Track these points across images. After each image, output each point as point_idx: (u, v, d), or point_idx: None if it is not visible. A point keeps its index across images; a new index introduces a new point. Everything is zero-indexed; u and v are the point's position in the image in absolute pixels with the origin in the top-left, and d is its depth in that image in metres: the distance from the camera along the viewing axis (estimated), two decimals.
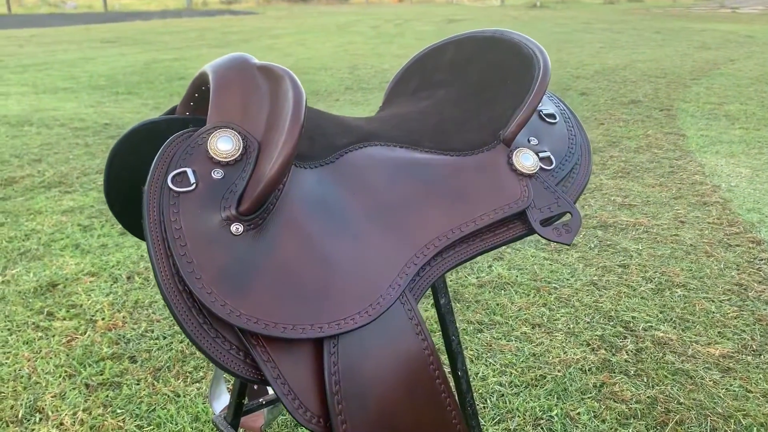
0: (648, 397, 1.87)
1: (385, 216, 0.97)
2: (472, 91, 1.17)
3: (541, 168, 1.07)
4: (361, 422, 0.85)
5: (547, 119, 1.15)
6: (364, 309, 0.87)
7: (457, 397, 1.26)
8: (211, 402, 1.42)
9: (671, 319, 2.31)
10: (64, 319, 2.25)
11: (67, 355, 2.03)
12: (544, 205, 1.04)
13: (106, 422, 1.73)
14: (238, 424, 1.31)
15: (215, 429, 1.71)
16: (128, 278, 2.56)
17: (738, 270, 2.71)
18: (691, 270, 2.70)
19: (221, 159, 0.87)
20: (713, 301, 2.44)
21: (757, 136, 4.98)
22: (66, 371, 1.95)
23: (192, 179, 0.85)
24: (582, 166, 1.12)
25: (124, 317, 2.26)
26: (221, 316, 0.79)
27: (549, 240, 1.03)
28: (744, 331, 2.25)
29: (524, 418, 1.78)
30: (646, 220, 3.23)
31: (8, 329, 2.19)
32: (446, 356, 1.25)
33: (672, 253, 2.86)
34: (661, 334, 2.20)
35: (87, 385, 1.89)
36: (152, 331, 2.18)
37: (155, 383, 1.90)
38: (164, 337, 2.14)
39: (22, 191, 3.53)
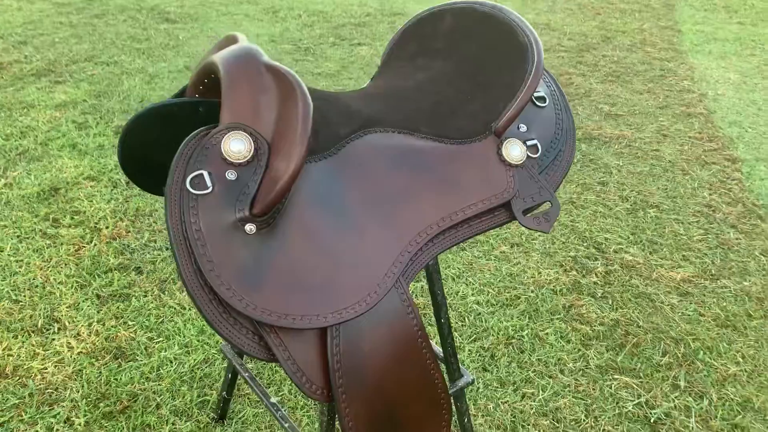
0: (611, 320, 2.07)
1: (383, 206, 1.07)
2: (466, 69, 1.22)
3: (527, 156, 1.15)
4: (357, 392, 1.00)
5: (537, 102, 1.22)
6: (363, 298, 0.99)
7: (440, 340, 1.42)
8: None
9: (641, 241, 2.48)
10: (70, 226, 2.37)
11: (77, 266, 2.17)
12: (527, 194, 1.14)
13: (119, 333, 1.90)
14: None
15: (219, 343, 1.90)
16: (128, 183, 2.65)
17: (710, 190, 2.85)
18: (666, 189, 2.84)
19: (234, 160, 0.95)
20: (682, 223, 2.60)
21: (752, 33, 4.95)
22: (77, 281, 2.10)
23: (208, 182, 0.94)
24: (565, 153, 1.20)
25: (126, 226, 2.39)
26: (239, 310, 0.91)
27: (530, 228, 1.14)
28: (706, 254, 2.43)
29: (497, 337, 1.98)
30: (630, 132, 3.32)
31: (17, 236, 2.31)
32: (432, 308, 1.39)
33: (651, 170, 2.98)
34: (630, 257, 2.38)
35: (98, 296, 2.05)
36: (155, 242, 2.32)
37: (161, 296, 2.06)
38: (166, 249, 2.28)
39: (12, 80, 3.51)
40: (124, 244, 2.29)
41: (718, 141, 3.28)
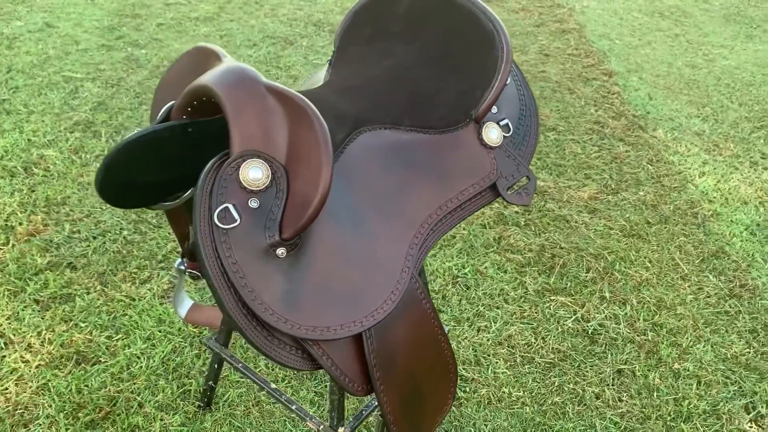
0: (537, 245, 2.29)
1: (387, 206, 1.14)
2: (434, 54, 1.27)
3: (503, 137, 1.25)
4: (391, 380, 1.11)
5: None
6: (388, 296, 1.07)
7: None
8: (176, 309, 1.54)
9: (548, 165, 2.70)
10: None
11: (1, 272, 2.03)
12: (508, 173, 1.24)
13: (73, 338, 1.84)
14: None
15: (182, 330, 1.90)
16: (26, 170, 2.46)
17: (596, 106, 3.11)
18: (559, 110, 3.06)
19: (254, 188, 0.97)
20: (579, 143, 2.85)
21: None
22: (8, 290, 1.98)
23: (235, 215, 0.96)
24: (532, 127, 1.31)
25: (42, 219, 2.25)
26: (285, 331, 0.97)
27: (514, 204, 1.25)
28: (604, 170, 2.69)
29: (444, 278, 2.13)
30: (516, 56, 3.49)
31: None
32: None
33: (541, 92, 3.18)
34: (542, 183, 2.59)
35: (37, 302, 1.95)
36: (78, 232, 2.21)
37: (105, 290, 2.00)
38: (94, 238, 2.18)
39: None
40: (46, 240, 2.16)
41: (593, 56, 3.53)
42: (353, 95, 1.23)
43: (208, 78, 1.03)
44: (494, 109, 1.25)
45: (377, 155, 1.15)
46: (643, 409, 1.79)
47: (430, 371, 1.21)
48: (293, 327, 0.97)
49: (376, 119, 1.19)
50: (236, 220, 0.95)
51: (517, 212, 2.44)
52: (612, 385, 1.84)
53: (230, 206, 0.95)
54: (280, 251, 0.98)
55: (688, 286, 2.18)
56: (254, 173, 0.97)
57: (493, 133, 1.22)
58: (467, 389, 1.81)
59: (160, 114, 1.10)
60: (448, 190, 1.18)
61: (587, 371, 1.88)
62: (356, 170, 1.12)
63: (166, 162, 1.10)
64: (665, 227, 2.42)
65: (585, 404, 1.79)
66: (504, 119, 1.26)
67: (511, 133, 1.26)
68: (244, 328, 0.97)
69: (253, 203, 0.97)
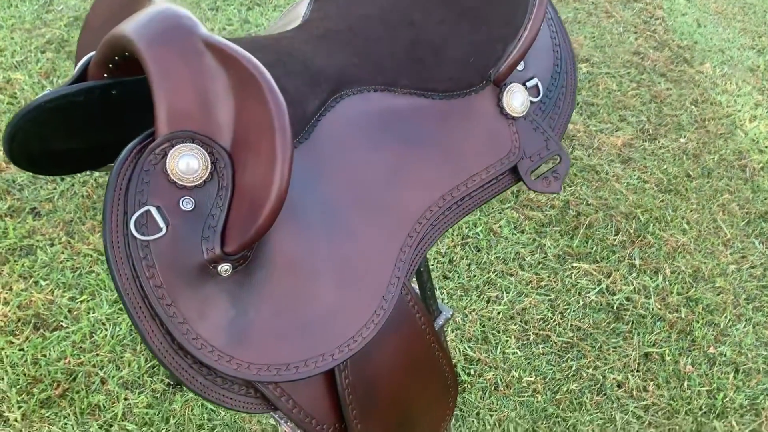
0: (561, 200, 2.02)
1: (372, 198, 0.88)
2: None
3: (529, 103, 0.97)
4: (373, 415, 0.89)
5: None
6: (369, 319, 0.83)
7: (417, 282, 1.30)
8: None
9: (578, 104, 2.38)
10: None
11: None
12: (533, 151, 0.97)
13: (33, 297, 1.64)
14: None
15: None
16: None
17: (636, 34, 2.74)
18: (594, 37, 2.70)
19: (187, 184, 0.71)
20: (614, 77, 2.51)
21: None
22: None
23: (160, 221, 0.70)
24: (567, 89, 1.02)
25: (3, 156, 2.00)
26: (230, 374, 0.74)
27: (538, 192, 0.98)
28: (641, 111, 2.37)
29: (452, 239, 1.89)
30: None
31: None
32: None
33: (575, 16, 2.81)
34: (570, 126, 2.28)
35: None
36: None
37: (71, 242, 1.78)
38: (62, 179, 1.95)
39: None
40: (8, 181, 1.93)
41: None
42: (335, 43, 0.94)
43: (129, 27, 0.74)
44: (520, 65, 0.96)
45: (363, 128, 0.88)
46: (671, 402, 1.57)
47: (423, 393, 0.99)
48: (240, 367, 0.74)
49: (364, 78, 0.91)
50: (161, 229, 0.69)
51: None
52: (637, 372, 1.63)
53: (153, 209, 0.69)
54: (224, 268, 0.73)
55: (730, 254, 1.92)
56: (187, 163, 0.70)
57: (516, 99, 0.94)
58: (472, 371, 1.60)
59: (75, 70, 0.83)
60: (456, 174, 0.92)
61: (609, 354, 1.66)
62: (333, 150, 0.86)
63: (89, 129, 0.84)
64: (708, 182, 2.13)
65: (605, 394, 1.58)
66: (532, 78, 0.97)
67: (540, 97, 0.97)
68: (174, 370, 0.74)
69: (186, 204, 0.71)
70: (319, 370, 0.78)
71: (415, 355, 0.94)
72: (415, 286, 1.38)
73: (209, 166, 0.71)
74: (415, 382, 0.94)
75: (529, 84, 0.96)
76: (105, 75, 0.80)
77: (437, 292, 1.75)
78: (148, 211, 0.69)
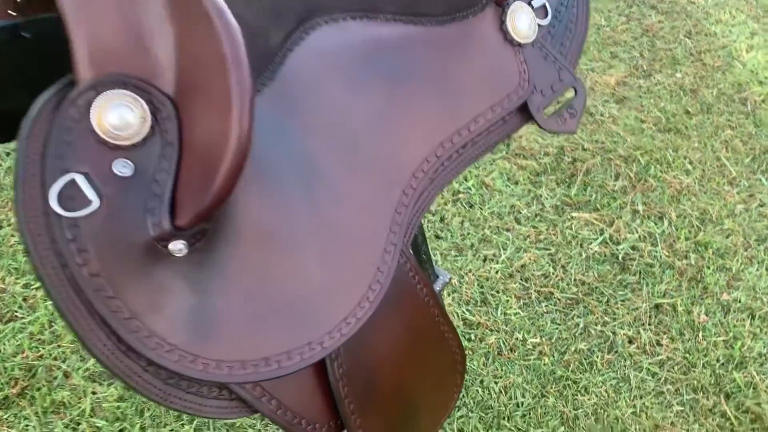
0: (555, 147, 1.87)
1: (358, 149, 0.72)
2: None
3: (537, 27, 0.81)
4: (373, 407, 0.75)
5: None
6: (364, 296, 0.69)
7: (412, 251, 1.17)
8: None
9: None
10: None
11: None
12: (545, 84, 0.81)
13: None
14: None
15: None
16: None
17: None
18: None
19: (122, 142, 0.55)
20: (602, 12, 2.35)
21: None
22: None
23: (89, 193, 0.54)
24: (580, 10, 0.86)
25: None
26: (196, 377, 0.59)
27: (552, 132, 0.83)
28: (633, 47, 2.22)
29: (443, 195, 1.74)
30: None
31: None
32: None
33: None
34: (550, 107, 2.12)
35: None
36: None
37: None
38: (7, 154, 1.76)
39: None
40: None
41: None
42: None
43: None
44: None
45: (340, 65, 0.72)
46: (687, 355, 1.46)
47: (429, 373, 0.85)
48: (208, 367, 0.60)
49: (339, 3, 0.74)
50: (92, 202, 0.53)
51: None
52: (648, 325, 1.51)
53: (80, 177, 0.53)
54: (177, 247, 0.57)
55: (737, 193, 1.80)
56: (120, 116, 0.54)
57: (522, 21, 0.78)
58: (472, 336, 1.47)
59: None
60: (456, 117, 0.76)
61: (618, 308, 1.54)
62: (306, 92, 0.70)
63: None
64: (708, 118, 1.99)
65: (616, 351, 1.47)
66: None
67: (548, 20, 0.82)
68: (126, 377, 0.59)
69: (123, 169, 0.54)
70: (307, 363, 0.63)
71: (419, 332, 0.81)
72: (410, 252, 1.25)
73: (148, 119, 0.54)
74: (419, 363, 0.81)
75: (535, 3, 0.80)
76: (11, 13, 0.63)
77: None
78: (73, 181, 0.52)
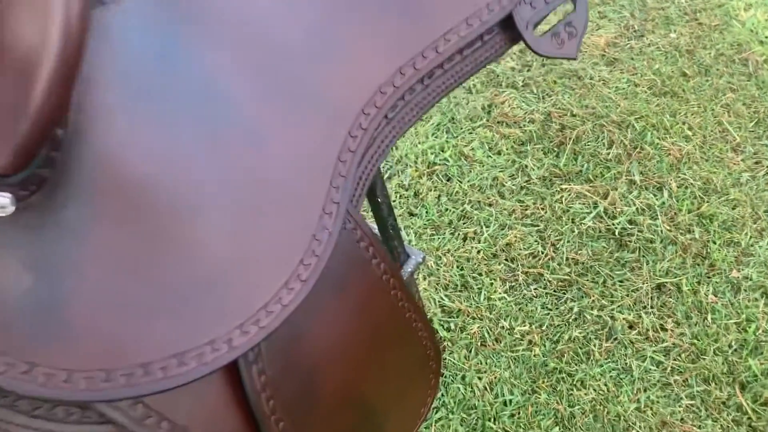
0: (541, 113, 1.69)
1: (284, 74, 0.53)
2: None
3: None
4: (313, 424, 0.57)
5: None
6: (293, 274, 0.50)
7: (375, 219, 0.98)
8: None
9: None
10: None
11: None
12: None
13: None
14: None
15: None
16: None
17: None
18: None
19: None
20: None
21: None
22: None
23: None
24: None
25: None
26: (37, 395, 0.41)
27: (547, 56, 0.64)
28: (624, 6, 2.04)
29: (417, 168, 1.55)
30: None
31: None
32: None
33: None
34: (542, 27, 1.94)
35: None
36: None
37: None
38: None
39: None
40: None
41: None
42: None
43: None
44: None
45: None
46: (695, 341, 1.29)
47: (391, 374, 0.67)
48: (52, 380, 0.43)
49: None
50: None
51: (513, 68, 1.81)
52: (651, 309, 1.34)
53: None
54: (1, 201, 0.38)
55: (742, 161, 1.62)
56: None
57: None
58: (452, 326, 1.29)
59: None
60: (419, 33, 0.58)
61: (616, 290, 1.36)
62: None
63: None
64: (707, 80, 1.82)
65: (615, 339, 1.29)
66: None
67: None
68: None
69: None
70: (208, 370, 0.45)
71: (376, 320, 0.62)
72: (373, 225, 1.06)
73: None
74: (379, 361, 0.63)
75: None
76: None
77: (403, 234, 1.43)
78: None
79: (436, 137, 1.61)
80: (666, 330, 1.30)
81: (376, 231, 1.07)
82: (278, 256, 0.48)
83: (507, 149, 1.60)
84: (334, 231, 0.50)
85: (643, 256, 1.42)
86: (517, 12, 0.60)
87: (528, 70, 1.80)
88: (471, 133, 1.63)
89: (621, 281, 1.38)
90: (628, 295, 1.35)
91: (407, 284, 1.12)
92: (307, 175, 0.51)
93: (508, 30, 0.61)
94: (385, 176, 1.53)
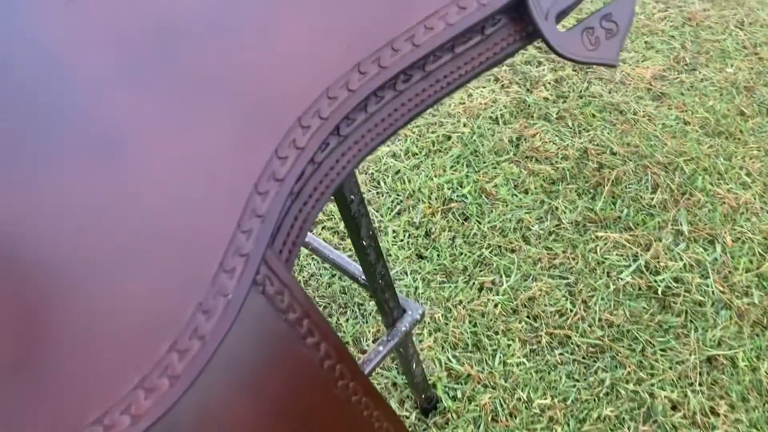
0: (577, 149, 1.49)
1: (165, 51, 0.36)
2: None
3: None
4: None
5: None
6: (149, 373, 0.31)
7: (359, 260, 0.81)
8: None
9: None
10: None
11: None
12: None
13: None
14: None
15: None
16: None
17: None
18: None
19: None
20: None
21: None
22: None
23: None
24: None
25: None
26: None
27: (574, 60, 0.46)
28: (673, 37, 1.84)
29: (430, 204, 1.37)
30: None
31: None
32: (341, 221, 0.74)
33: None
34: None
35: None
36: None
37: None
38: None
39: None
40: None
41: None
42: None
43: None
44: None
45: None
46: (753, 430, 1.07)
47: None
48: None
49: None
50: None
51: (546, 98, 1.62)
52: (699, 386, 1.12)
53: None
54: None
55: None
56: None
57: None
58: (458, 394, 1.09)
59: None
60: (386, 16, 0.40)
61: (657, 360, 1.15)
62: None
63: None
64: None
65: (655, 421, 1.07)
66: None
67: None
68: None
69: None
70: None
71: (315, 429, 0.43)
72: (355, 266, 0.90)
73: None
74: None
75: None
76: None
77: (408, 280, 1.24)
78: None
79: (454, 170, 1.43)
80: (717, 414, 1.08)
81: (361, 271, 0.89)
82: (135, 340, 0.31)
83: (535, 188, 1.40)
84: (236, 297, 0.33)
85: (691, 321, 1.20)
86: None
87: (563, 101, 1.61)
88: (495, 167, 1.44)
89: (663, 350, 1.16)
90: (671, 368, 1.14)
91: (402, 345, 0.93)
92: (199, 212, 0.34)
93: (520, 21, 0.43)
94: (394, 212, 1.35)
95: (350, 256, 0.94)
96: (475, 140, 1.50)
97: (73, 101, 0.33)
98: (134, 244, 0.33)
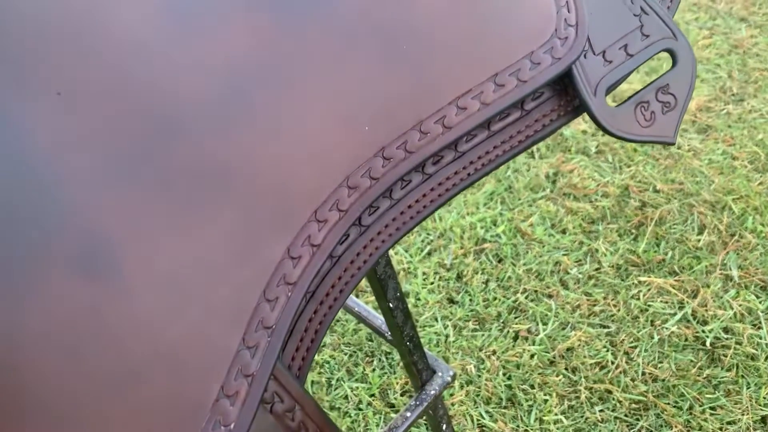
0: (618, 186, 1.42)
1: (164, 137, 0.31)
2: None
3: None
4: None
5: None
6: None
7: (392, 336, 0.76)
8: None
9: None
10: None
11: None
12: (611, 39, 0.40)
13: None
14: None
15: None
16: None
17: None
18: None
19: None
20: (679, 23, 1.90)
21: None
22: None
23: None
24: None
25: None
26: None
27: (627, 139, 0.40)
28: (719, 66, 1.76)
29: (462, 244, 1.31)
30: None
31: None
32: (369, 283, 0.70)
33: None
34: (625, 85, 1.68)
35: None
36: None
37: None
38: None
39: None
40: None
41: None
42: None
43: None
44: None
45: None
46: None
47: None
48: None
49: None
50: None
51: (584, 131, 1.56)
52: None
53: None
54: None
55: None
56: None
57: None
58: None
59: None
60: (414, 94, 0.35)
61: (706, 419, 1.07)
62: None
63: None
64: None
65: None
66: None
67: None
68: None
69: None
70: None
71: None
72: (380, 318, 0.85)
73: None
74: None
75: None
76: None
77: (439, 326, 1.18)
78: None
79: (488, 208, 1.37)
80: None
81: (388, 333, 0.84)
82: None
83: (573, 228, 1.34)
84: (240, 425, 0.28)
85: (743, 376, 1.12)
86: (580, 67, 0.37)
87: (603, 135, 1.55)
88: (531, 205, 1.38)
89: (713, 409, 1.08)
90: (721, 429, 1.05)
91: (431, 407, 0.88)
92: (199, 328, 0.30)
93: (566, 95, 0.38)
94: (424, 252, 1.29)
95: (376, 308, 0.89)
96: (509, 176, 1.44)
97: (59, 210, 0.29)
98: (124, 371, 0.29)
